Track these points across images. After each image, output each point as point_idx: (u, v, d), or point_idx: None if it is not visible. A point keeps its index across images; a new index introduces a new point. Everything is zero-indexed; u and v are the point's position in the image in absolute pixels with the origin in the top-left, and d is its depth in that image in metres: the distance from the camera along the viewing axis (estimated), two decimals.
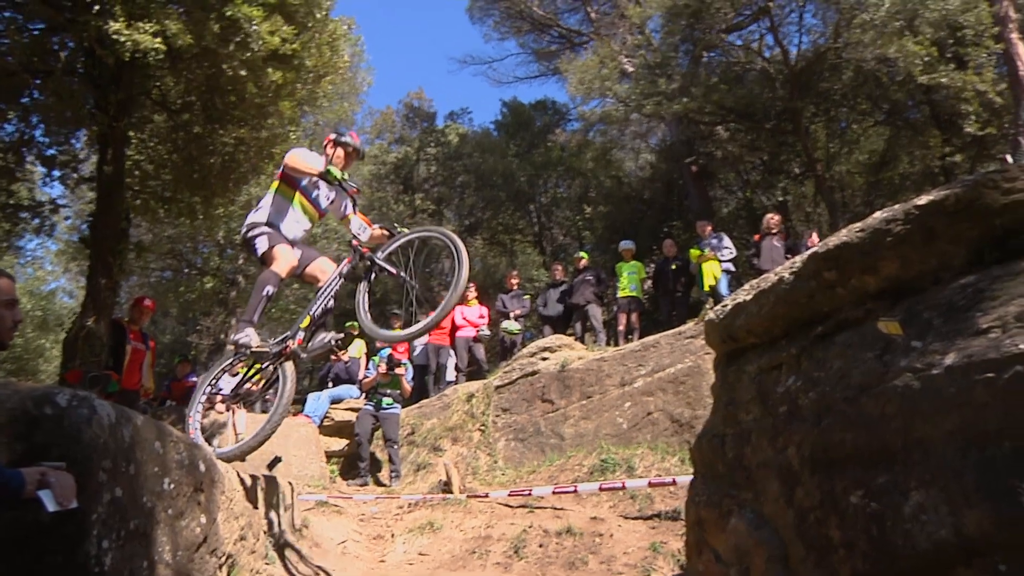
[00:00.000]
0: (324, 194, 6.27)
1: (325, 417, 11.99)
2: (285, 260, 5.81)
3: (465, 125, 29.42)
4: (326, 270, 6.14)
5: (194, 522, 4.27)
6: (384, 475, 11.15)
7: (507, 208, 26.51)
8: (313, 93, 11.56)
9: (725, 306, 4.25)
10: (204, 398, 6.22)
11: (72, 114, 10.61)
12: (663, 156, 23.38)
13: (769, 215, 13.37)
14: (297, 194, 6.12)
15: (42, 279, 31.69)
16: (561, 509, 8.14)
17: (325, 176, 5.76)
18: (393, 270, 5.81)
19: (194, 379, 13.23)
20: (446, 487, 9.38)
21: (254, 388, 6.49)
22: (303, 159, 5.99)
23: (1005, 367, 2.41)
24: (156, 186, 12.13)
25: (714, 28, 16.74)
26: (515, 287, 14.92)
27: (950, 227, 3.06)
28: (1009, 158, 14.00)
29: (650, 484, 7.87)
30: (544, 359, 11.36)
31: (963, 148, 17.19)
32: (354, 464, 11.26)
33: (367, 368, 11.91)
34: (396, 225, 6.23)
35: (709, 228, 13.78)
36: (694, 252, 13.35)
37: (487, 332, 14.18)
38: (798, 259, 3.68)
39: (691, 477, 4.81)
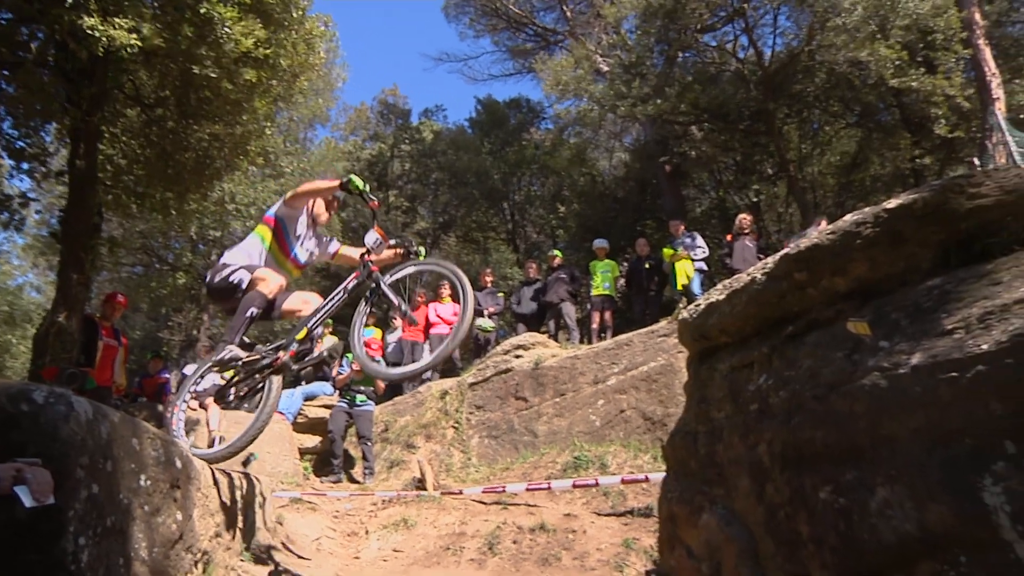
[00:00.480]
0: (305, 247, 6.04)
1: (299, 414, 11.96)
2: (273, 281, 5.55)
3: (439, 122, 29.43)
4: (309, 300, 5.95)
5: (170, 519, 4.27)
6: (358, 472, 11.15)
7: (481, 206, 26.55)
8: (289, 90, 11.50)
9: (698, 305, 4.30)
10: (190, 395, 6.14)
11: (43, 107, 10.49)
12: (637, 155, 23.47)
13: (741, 215, 13.48)
14: (276, 246, 5.87)
15: (8, 274, 31.36)
16: (534, 506, 8.19)
17: (346, 185, 5.47)
18: (396, 301, 5.57)
19: (166, 375, 13.18)
20: (420, 484, 9.40)
21: (239, 393, 6.22)
22: (313, 183, 5.83)
23: (968, 367, 2.48)
24: (129, 181, 12.00)
25: (689, 29, 16.79)
26: (489, 285, 14.94)
27: (918, 230, 3.13)
28: (976, 161, 14.23)
29: (623, 481, 7.95)
30: (518, 357, 11.41)
31: (932, 151, 17.46)
32: (328, 461, 11.24)
33: (341, 365, 11.96)
34: (412, 242, 5.97)
35: (682, 227, 13.88)
36: (667, 251, 13.44)
37: None
38: (770, 260, 3.74)
39: (663, 474, 4.88)
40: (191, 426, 10.30)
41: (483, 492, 8.72)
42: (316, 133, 28.21)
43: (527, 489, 8.39)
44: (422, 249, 5.96)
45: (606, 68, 19.79)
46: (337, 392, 11.70)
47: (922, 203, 3.11)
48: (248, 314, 5.50)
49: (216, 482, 5.30)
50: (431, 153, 26.76)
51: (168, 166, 11.29)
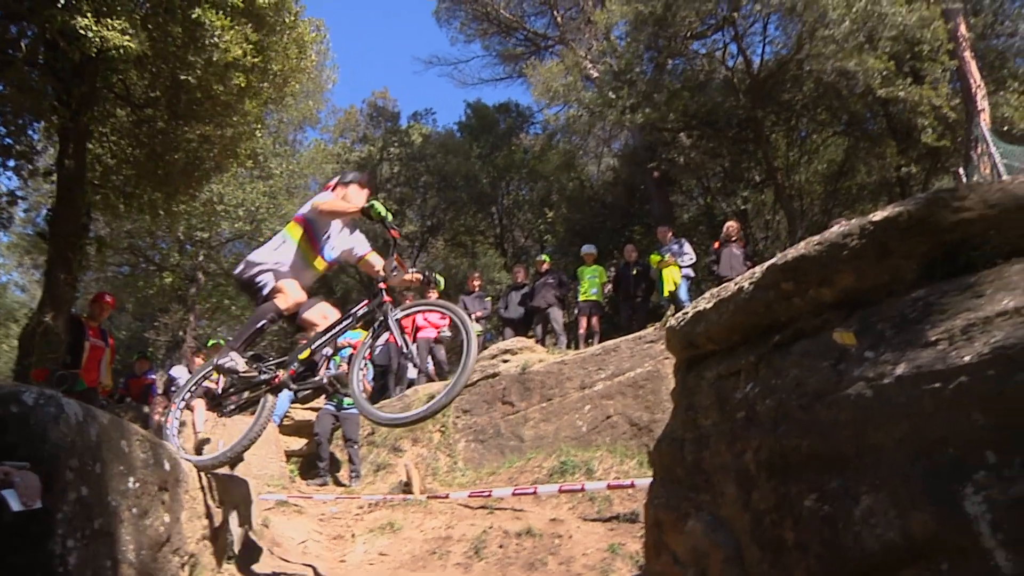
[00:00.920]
0: (331, 245, 5.93)
1: (285, 416, 11.92)
2: (292, 295, 5.50)
3: (429, 126, 29.32)
4: (327, 315, 5.88)
5: (158, 521, 4.28)
6: (344, 475, 11.14)
7: (469, 209, 26.51)
8: (280, 93, 11.50)
9: (686, 313, 4.33)
10: (185, 398, 6.04)
11: (32, 105, 10.45)
12: (626, 161, 23.51)
13: (729, 223, 13.56)
14: (307, 245, 5.79)
15: None
16: (521, 510, 8.21)
17: (368, 211, 5.36)
18: (400, 342, 5.60)
19: (152, 376, 13.11)
20: (406, 488, 9.41)
21: (236, 403, 6.09)
22: (339, 201, 5.75)
23: (950, 378, 2.53)
24: (117, 181, 11.97)
25: (679, 36, 16.86)
26: (477, 289, 14.94)
27: (903, 243, 3.18)
28: (962, 171, 14.37)
29: (609, 486, 7.97)
30: (505, 361, 11.42)
31: (918, 160, 17.58)
32: (314, 464, 11.23)
33: (328, 368, 11.91)
34: (432, 273, 5.89)
35: (670, 234, 13.95)
36: (654, 257, 13.49)
37: (448, 333, 14.17)
38: (758, 269, 3.77)
39: (650, 480, 4.90)
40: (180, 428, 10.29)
41: (469, 496, 8.73)
42: (305, 135, 28.17)
43: (513, 494, 8.41)
44: (440, 279, 5.93)
45: (596, 74, 19.85)
46: (324, 394, 11.66)
47: (907, 216, 3.16)
48: (258, 325, 5.50)
49: (203, 485, 5.31)
50: (420, 156, 26.70)
51: (158, 167, 11.27)
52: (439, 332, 13.80)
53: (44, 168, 12.41)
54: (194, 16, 9.00)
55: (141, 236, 21.70)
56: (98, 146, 11.63)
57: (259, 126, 12.34)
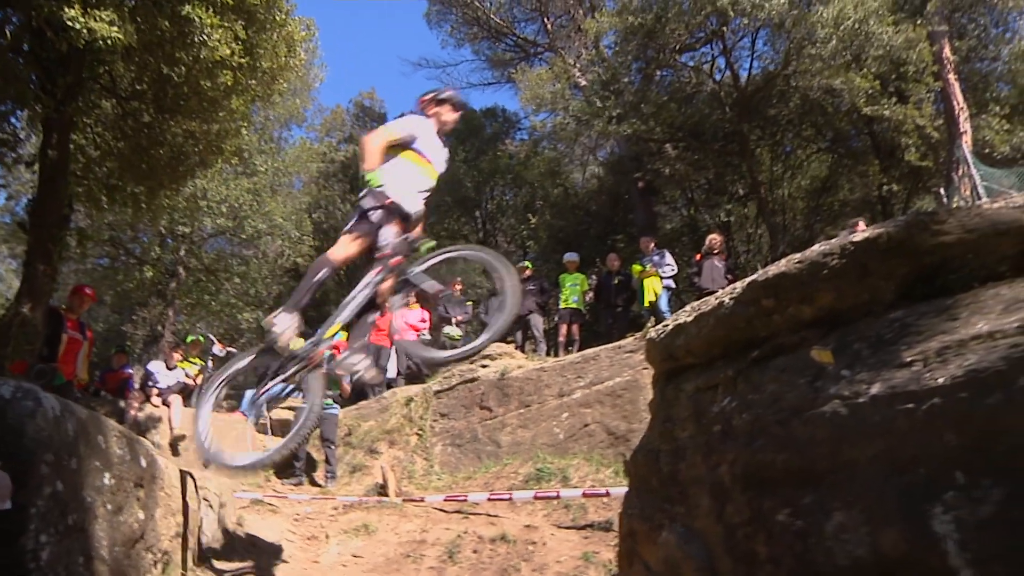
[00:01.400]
0: (432, 144, 5.69)
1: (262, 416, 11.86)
2: (345, 250, 5.26)
3: None
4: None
5: (132, 517, 4.26)
6: (320, 475, 11.09)
7: (453, 213, 26.49)
8: (267, 91, 11.44)
9: (666, 326, 4.36)
10: (218, 395, 5.47)
11: (16, 93, 10.34)
12: (611, 170, 23.64)
13: (712, 236, 13.61)
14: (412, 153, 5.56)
15: None
16: (496, 516, 8.23)
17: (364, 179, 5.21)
18: (432, 289, 5.31)
19: (129, 371, 12.99)
20: (382, 490, 9.41)
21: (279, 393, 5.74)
22: (375, 144, 5.39)
23: (924, 399, 2.57)
24: (101, 173, 11.85)
25: (667, 48, 16.97)
26: (457, 293, 14.93)
27: (882, 264, 3.22)
28: (943, 192, 14.52)
29: (584, 495, 8.00)
30: (484, 366, 11.44)
31: (900, 179, 17.80)
32: (289, 463, 11.18)
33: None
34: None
35: (652, 244, 13.99)
36: (636, 267, 13.53)
37: (428, 337, 14.17)
38: (739, 285, 3.80)
39: (625, 489, 4.93)
40: (152, 423, 10.23)
41: (445, 500, 8.74)
42: (291, 133, 28.04)
43: (489, 499, 8.42)
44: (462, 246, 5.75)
45: (584, 83, 19.93)
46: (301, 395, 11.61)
47: (887, 237, 3.20)
48: (316, 278, 5.21)
49: (179, 482, 5.29)
50: None
51: (142, 160, 11.17)
52: (419, 336, 13.78)
53: (27, 157, 12.28)
54: (183, 12, 8.95)
55: (122, 229, 21.49)
56: (82, 137, 11.51)
57: (245, 123, 12.26)
